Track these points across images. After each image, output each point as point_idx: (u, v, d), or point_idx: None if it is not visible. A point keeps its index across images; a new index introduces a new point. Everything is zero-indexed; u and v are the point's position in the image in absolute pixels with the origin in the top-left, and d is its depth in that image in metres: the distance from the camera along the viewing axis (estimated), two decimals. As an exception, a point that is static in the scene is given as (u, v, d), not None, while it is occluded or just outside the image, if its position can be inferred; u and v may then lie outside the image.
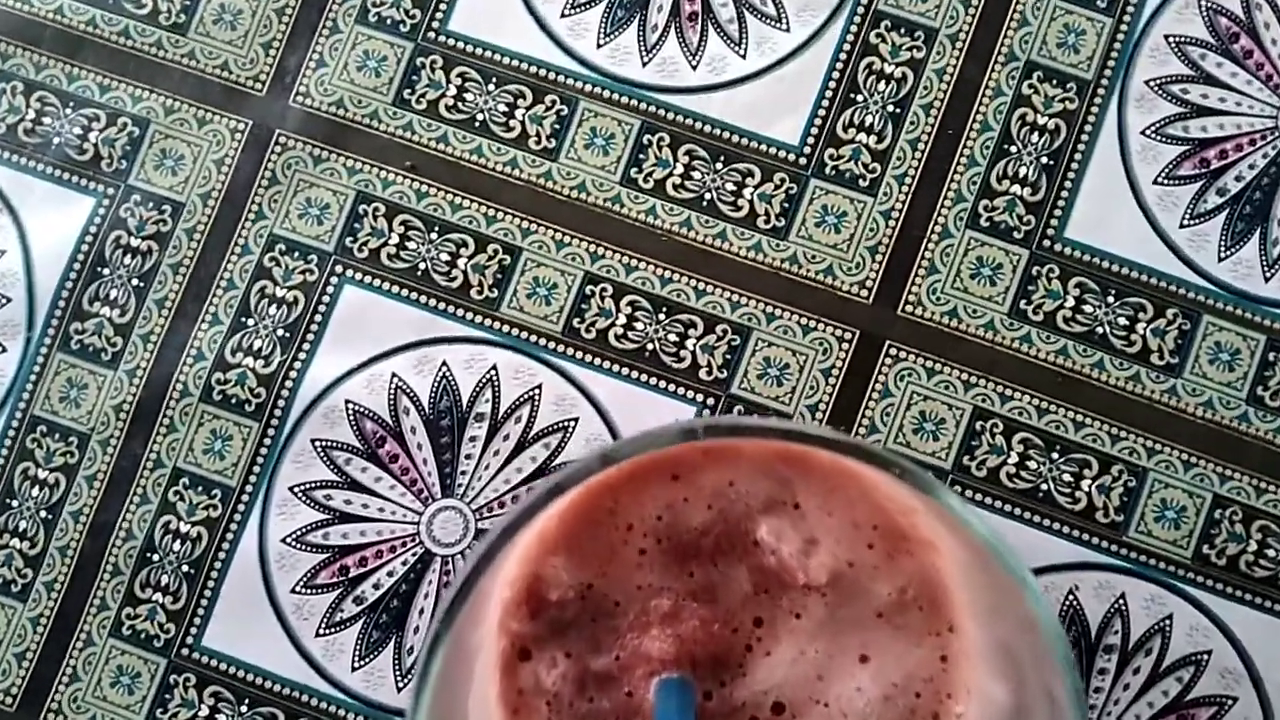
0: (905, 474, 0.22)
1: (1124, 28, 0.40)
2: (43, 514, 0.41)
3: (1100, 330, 0.39)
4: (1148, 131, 0.40)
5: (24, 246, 0.42)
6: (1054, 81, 0.40)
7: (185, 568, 0.40)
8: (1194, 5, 0.40)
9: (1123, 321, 0.39)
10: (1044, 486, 0.39)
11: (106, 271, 0.42)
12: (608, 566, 0.25)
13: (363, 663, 0.40)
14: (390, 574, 0.40)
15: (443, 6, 0.42)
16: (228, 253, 0.41)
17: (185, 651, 0.40)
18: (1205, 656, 0.38)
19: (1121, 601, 0.39)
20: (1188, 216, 0.40)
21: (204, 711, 0.40)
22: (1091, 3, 0.40)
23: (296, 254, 0.41)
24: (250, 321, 0.41)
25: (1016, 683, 0.23)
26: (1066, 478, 0.39)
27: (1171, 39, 0.40)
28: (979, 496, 0.39)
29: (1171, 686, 0.38)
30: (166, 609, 0.40)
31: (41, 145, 0.42)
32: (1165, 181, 0.40)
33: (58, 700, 0.40)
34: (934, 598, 0.25)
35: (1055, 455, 0.39)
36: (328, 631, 0.40)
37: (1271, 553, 0.38)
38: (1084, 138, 0.40)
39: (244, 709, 0.40)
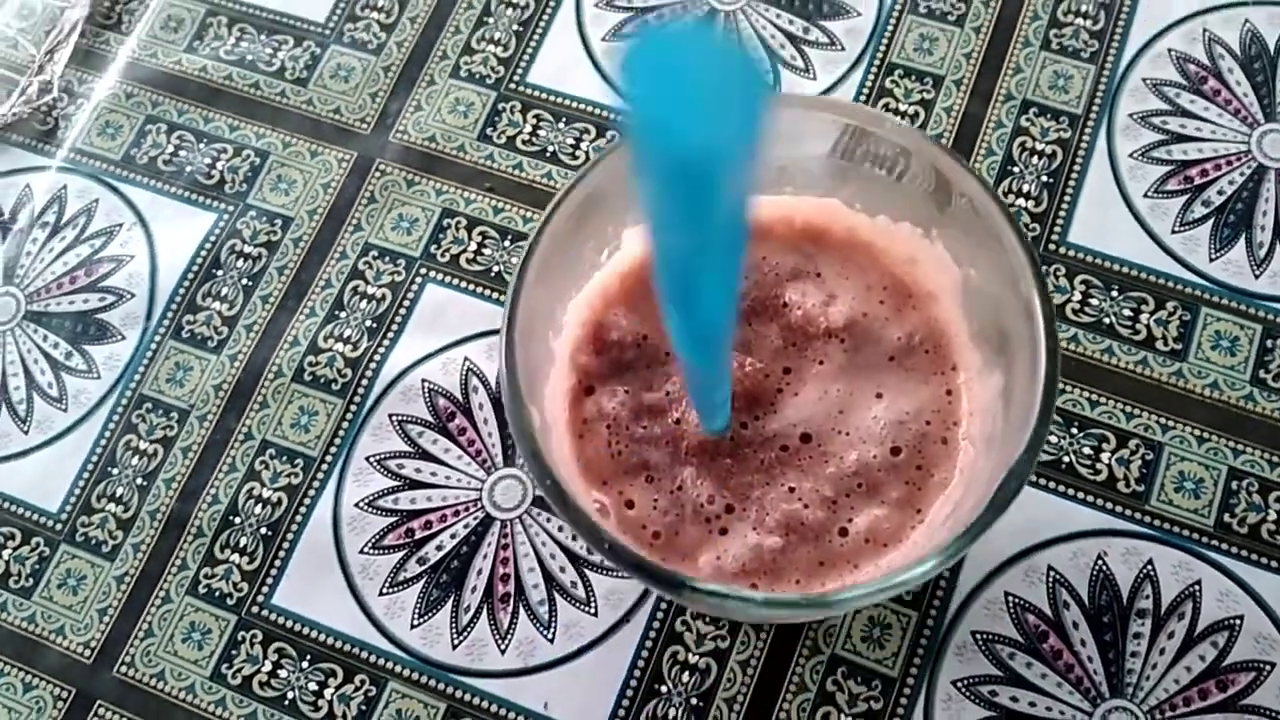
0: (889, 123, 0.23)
1: (1105, 73, 0.43)
2: (139, 481, 0.41)
3: (1107, 320, 0.40)
4: (1135, 155, 0.42)
5: (151, 253, 0.45)
6: (1048, 115, 0.43)
7: (264, 530, 0.40)
8: (1165, 55, 0.43)
9: (1127, 313, 0.40)
10: (1065, 459, 0.39)
11: (220, 272, 0.44)
12: (660, 323, 0.26)
13: (421, 620, 0.38)
14: (453, 536, 0.39)
15: (523, 64, 0.46)
16: (328, 258, 0.44)
17: (255, 609, 0.39)
18: (1237, 621, 0.36)
19: (1150, 567, 0.37)
20: (1178, 224, 0.41)
21: (267, 666, 0.38)
22: (1077, 54, 0.44)
23: (387, 259, 0.43)
24: (342, 314, 0.43)
25: (1006, 361, 0.23)
26: (1087, 450, 0.39)
27: (1148, 81, 0.43)
28: (1005, 466, 0.38)
29: (1207, 651, 0.36)
30: (242, 569, 0.40)
31: (175, 173, 0.46)
32: (1155, 195, 0.42)
33: (131, 654, 0.39)
34: (938, 343, 0.26)
35: (1074, 430, 0.39)
36: (390, 590, 0.39)
37: (1290, 517, 0.37)
38: (1079, 160, 0.42)
39: (304, 664, 0.38)
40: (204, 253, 0.45)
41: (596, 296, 0.27)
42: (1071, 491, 0.38)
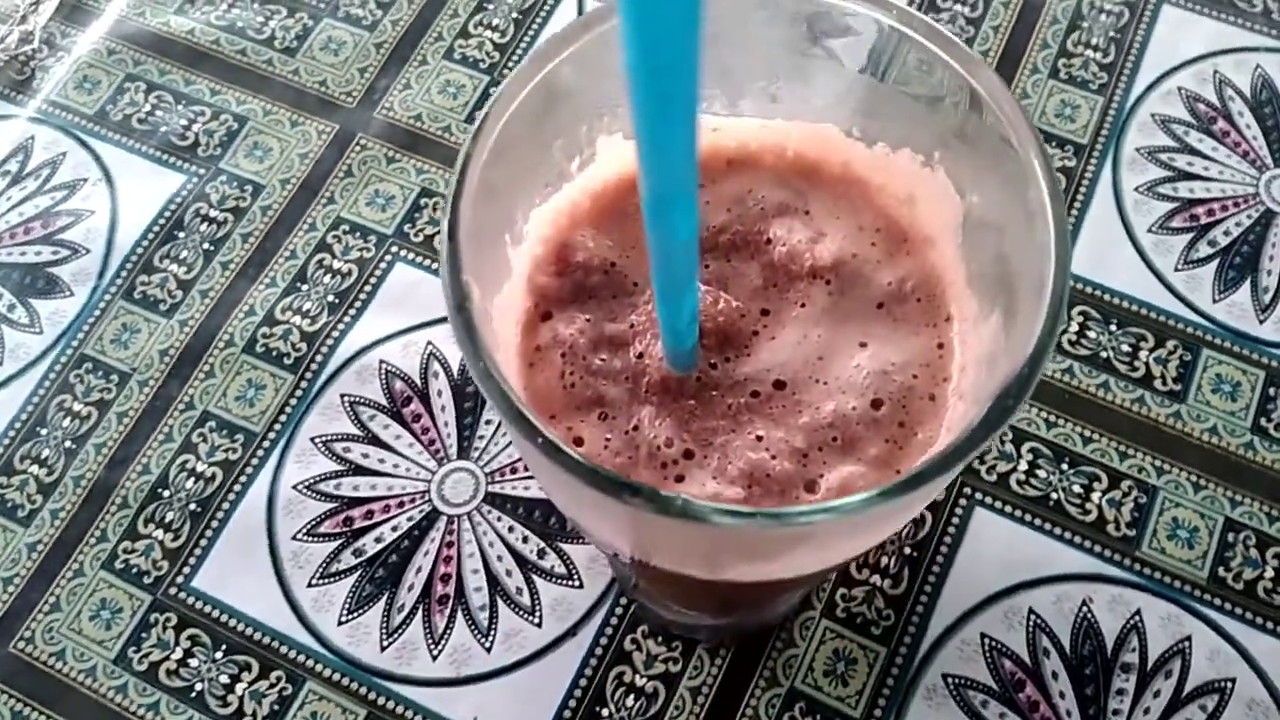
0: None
1: (1114, 106, 0.41)
2: (68, 444, 0.38)
3: (1104, 355, 0.37)
4: (1140, 189, 0.40)
5: (113, 210, 0.42)
6: (1053, 143, 0.41)
7: (193, 506, 0.37)
8: (1175, 93, 0.41)
9: (1125, 348, 0.37)
10: (1054, 495, 0.35)
11: (182, 235, 0.41)
12: (630, 251, 0.23)
13: (350, 617, 0.35)
14: (394, 529, 0.36)
15: (519, 51, 0.44)
16: (296, 228, 0.41)
17: (173, 590, 0.35)
18: (1229, 685, 0.33)
19: (1138, 618, 0.34)
20: (1182, 262, 0.39)
21: (177, 654, 0.35)
22: (1085, 84, 0.42)
23: (358, 234, 0.41)
24: (304, 286, 0.40)
25: (1006, 297, 0.20)
26: (1076, 489, 0.35)
27: (1157, 117, 0.41)
28: (989, 499, 0.35)
29: (1195, 715, 0.33)
30: (165, 546, 0.36)
31: (149, 132, 0.43)
32: (1159, 231, 0.39)
33: (32, 629, 0.35)
34: (932, 291, 0.23)
35: (1065, 466, 0.36)
36: (321, 582, 0.35)
37: (1290, 576, 0.34)
38: (1082, 188, 0.40)
39: (219, 655, 0.34)
40: (168, 213, 0.42)
41: (564, 213, 0.24)
42: (1058, 531, 0.35)
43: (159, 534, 0.36)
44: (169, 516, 0.37)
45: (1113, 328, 0.38)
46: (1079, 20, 0.43)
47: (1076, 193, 0.40)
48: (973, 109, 0.21)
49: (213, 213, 0.41)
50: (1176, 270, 0.39)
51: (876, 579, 0.35)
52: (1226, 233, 0.39)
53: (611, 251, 0.23)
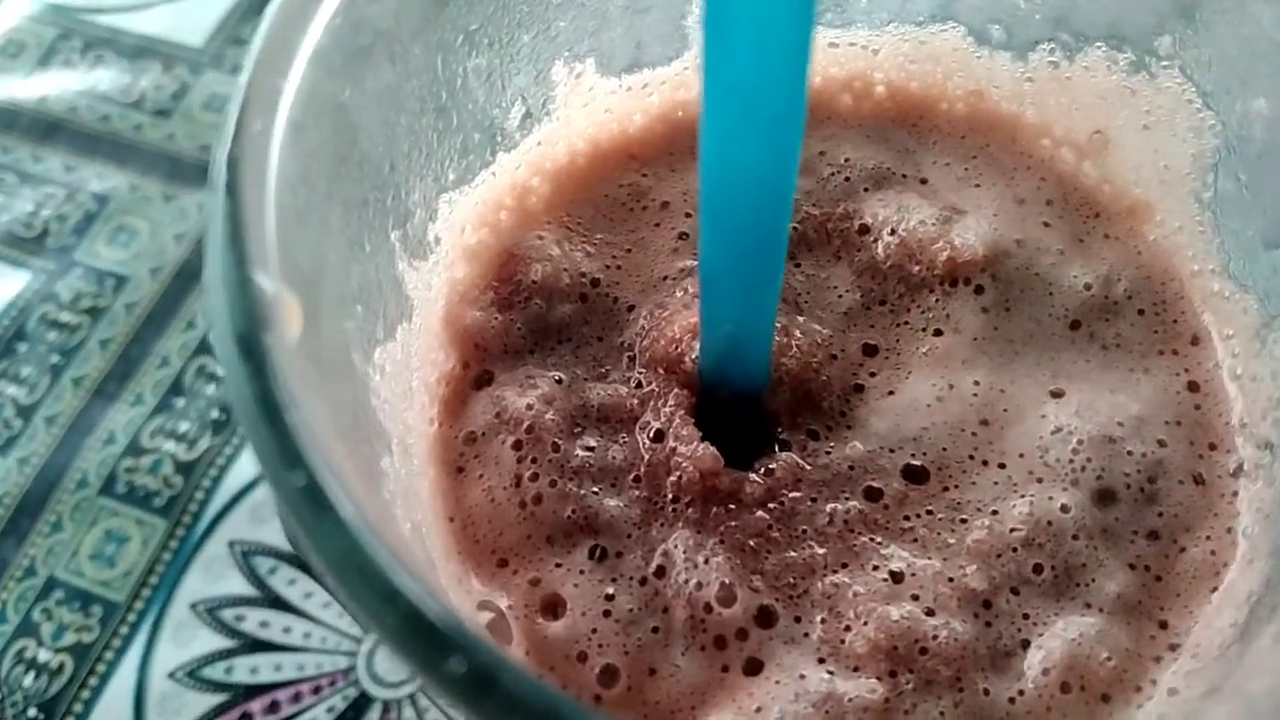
0: None
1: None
2: None
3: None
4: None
5: (-64, 323, 0.34)
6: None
7: (33, 712, 0.28)
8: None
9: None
10: None
11: (24, 347, 0.33)
12: (625, 257, 0.14)
13: None
14: (308, 724, 0.27)
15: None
16: (169, 328, 0.33)
17: (2, 838, 0.26)
18: None
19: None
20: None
21: None
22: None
23: (250, 329, 0.33)
24: (180, 402, 0.32)
25: None
26: None
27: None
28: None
29: None
30: (-8, 773, 0.27)
31: (-14, 223, 0.35)
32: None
33: None
34: (1160, 295, 0.14)
35: None
36: (208, 809, 0.26)
37: None
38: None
39: None
40: (6, 322, 0.34)
41: (500, 204, 0.15)
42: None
43: (-15, 756, 0.28)
44: (-1, 730, 0.28)
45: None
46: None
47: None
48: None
49: (64, 316, 0.34)
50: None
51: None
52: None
53: (591, 261, 0.14)
